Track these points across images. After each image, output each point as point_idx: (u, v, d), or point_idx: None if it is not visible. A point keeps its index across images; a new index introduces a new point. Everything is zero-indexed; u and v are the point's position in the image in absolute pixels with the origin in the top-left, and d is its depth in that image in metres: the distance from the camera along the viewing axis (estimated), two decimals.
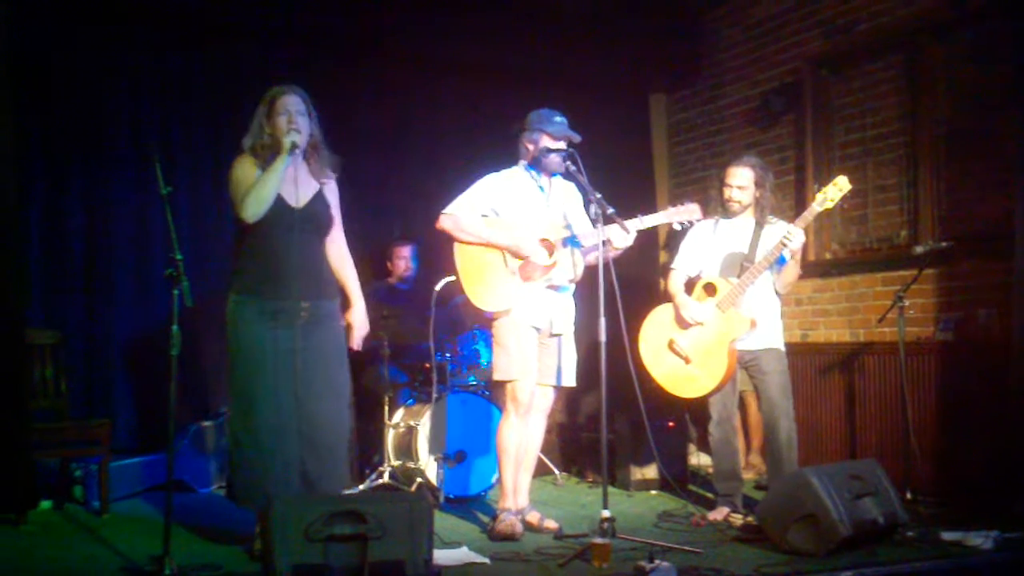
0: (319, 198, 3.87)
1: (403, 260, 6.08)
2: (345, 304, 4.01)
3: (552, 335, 4.37)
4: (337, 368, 3.88)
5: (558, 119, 4.32)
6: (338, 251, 3.99)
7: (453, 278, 4.44)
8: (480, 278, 4.29)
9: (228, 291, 3.81)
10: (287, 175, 3.72)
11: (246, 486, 3.72)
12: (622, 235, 4.16)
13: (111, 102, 5.70)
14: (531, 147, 4.36)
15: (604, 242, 4.06)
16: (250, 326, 3.73)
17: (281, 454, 3.68)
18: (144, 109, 5.79)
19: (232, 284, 3.81)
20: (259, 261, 3.75)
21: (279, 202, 3.73)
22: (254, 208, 3.67)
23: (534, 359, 4.29)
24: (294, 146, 3.71)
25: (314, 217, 3.82)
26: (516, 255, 4.26)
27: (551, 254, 4.31)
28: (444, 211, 4.36)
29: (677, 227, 4.44)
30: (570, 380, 4.44)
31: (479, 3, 6.01)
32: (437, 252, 6.05)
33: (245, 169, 3.76)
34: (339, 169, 3.96)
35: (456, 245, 4.34)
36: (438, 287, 5.20)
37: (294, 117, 3.75)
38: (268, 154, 3.76)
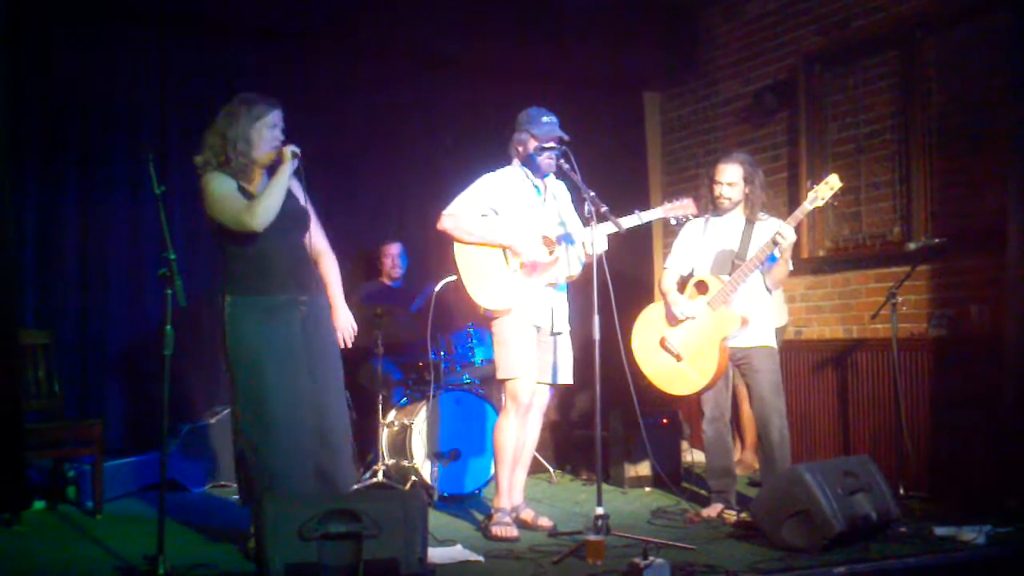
0: (292, 198, 3.88)
1: (390, 258, 6.09)
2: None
3: (552, 333, 4.38)
4: (338, 363, 3.94)
5: (546, 119, 4.31)
6: (315, 246, 3.97)
7: (454, 278, 4.43)
8: (482, 277, 4.28)
9: (222, 296, 3.79)
10: (285, 180, 3.77)
11: (269, 488, 3.64)
12: (611, 231, 4.18)
13: (106, 102, 5.68)
14: (520, 148, 4.37)
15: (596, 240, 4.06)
16: (250, 326, 3.73)
17: (299, 452, 3.69)
18: (139, 109, 5.78)
19: (226, 288, 3.80)
20: (253, 263, 3.76)
21: None
22: (265, 217, 3.68)
23: (535, 358, 4.30)
24: (295, 155, 3.75)
25: (294, 215, 3.84)
26: (515, 253, 4.26)
27: (551, 252, 4.31)
28: (444, 211, 4.34)
29: (673, 222, 4.49)
30: (567, 378, 4.45)
31: (474, 1, 6.02)
32: (430, 251, 6.09)
33: (224, 183, 3.75)
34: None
35: (456, 245, 4.33)
36: (437, 287, 5.20)
37: (279, 133, 3.82)
38: (248, 165, 3.77)
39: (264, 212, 3.68)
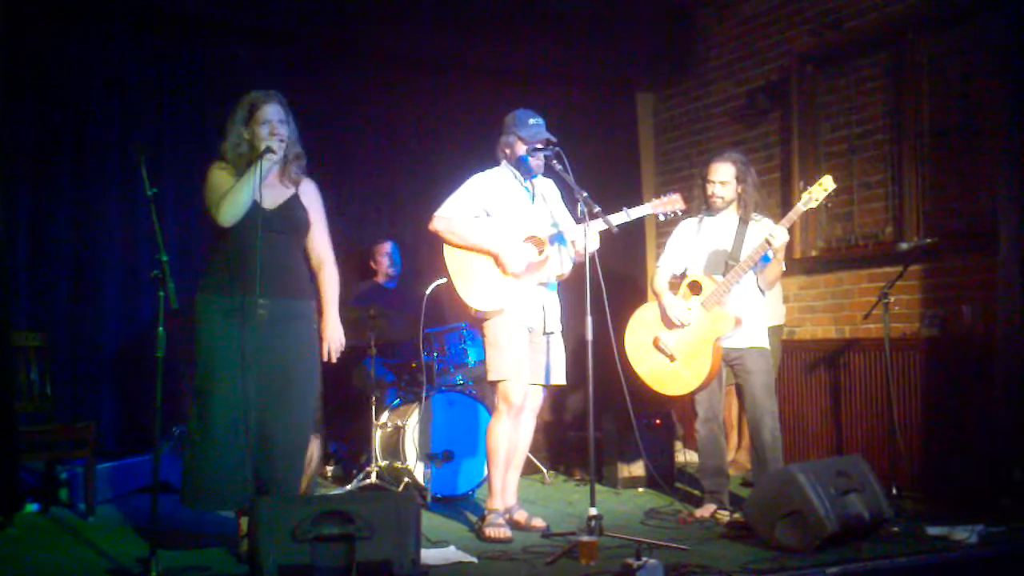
0: (294, 201, 3.85)
1: (385, 257, 6.09)
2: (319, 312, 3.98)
3: (544, 333, 4.38)
4: (302, 371, 3.81)
5: (532, 121, 4.32)
6: (317, 254, 3.94)
7: (445, 280, 4.43)
8: (472, 278, 4.28)
9: (196, 291, 3.79)
10: (257, 178, 3.72)
11: (195, 487, 3.68)
12: (601, 228, 4.18)
13: (98, 103, 5.67)
14: (508, 151, 4.38)
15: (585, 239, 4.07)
16: (212, 324, 3.72)
17: (232, 455, 3.63)
18: (131, 110, 5.76)
19: (200, 284, 3.81)
20: (225, 260, 3.75)
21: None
22: (231, 212, 3.66)
23: (526, 359, 4.30)
24: (268, 150, 3.70)
25: (285, 218, 3.81)
26: (500, 264, 4.26)
27: (541, 251, 4.31)
28: (436, 213, 4.34)
29: (662, 218, 4.49)
30: (560, 378, 4.45)
31: (467, 1, 6.02)
32: (422, 251, 6.09)
33: (220, 176, 3.77)
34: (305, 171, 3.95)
35: (446, 246, 4.33)
36: (429, 290, 5.20)
37: (276, 127, 3.75)
38: (244, 162, 3.76)
39: (229, 207, 3.65)
